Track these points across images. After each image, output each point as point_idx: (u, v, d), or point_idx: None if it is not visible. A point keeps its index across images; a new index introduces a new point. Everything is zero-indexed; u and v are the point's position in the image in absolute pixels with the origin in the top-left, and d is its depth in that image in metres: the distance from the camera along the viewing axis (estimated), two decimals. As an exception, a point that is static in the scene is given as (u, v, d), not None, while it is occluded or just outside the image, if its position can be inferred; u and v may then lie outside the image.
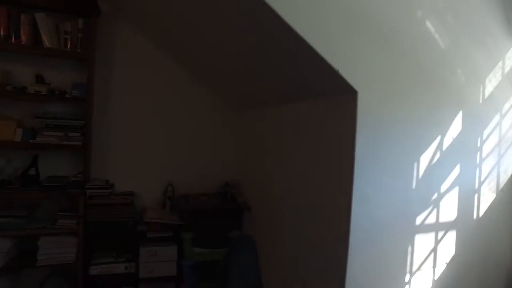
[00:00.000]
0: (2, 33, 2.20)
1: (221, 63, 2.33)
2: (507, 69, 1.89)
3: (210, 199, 2.64)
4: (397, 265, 1.62)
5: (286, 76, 1.85)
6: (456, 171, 1.76)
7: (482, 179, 1.88)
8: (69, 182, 2.35)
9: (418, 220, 1.65)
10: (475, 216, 1.87)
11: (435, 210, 1.71)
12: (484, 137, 1.86)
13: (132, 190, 2.58)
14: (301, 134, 1.96)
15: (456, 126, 1.73)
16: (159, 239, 2.42)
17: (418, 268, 1.67)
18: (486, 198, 1.90)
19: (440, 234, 1.74)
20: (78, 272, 2.26)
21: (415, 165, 1.64)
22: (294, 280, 1.95)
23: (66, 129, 2.29)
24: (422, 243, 1.68)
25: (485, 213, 1.89)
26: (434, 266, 1.73)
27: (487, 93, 1.84)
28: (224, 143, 2.91)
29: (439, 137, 1.68)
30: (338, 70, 1.39)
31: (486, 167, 1.88)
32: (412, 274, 1.65)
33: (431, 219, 1.70)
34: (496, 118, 1.89)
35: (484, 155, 1.87)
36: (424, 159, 1.64)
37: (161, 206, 2.65)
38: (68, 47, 2.33)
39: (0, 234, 2.12)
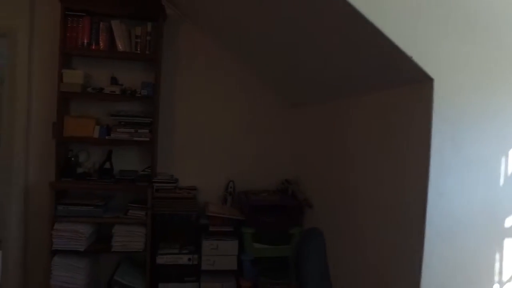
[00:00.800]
0: (85, 41, 2.45)
1: (282, 59, 2.31)
2: None
3: (271, 196, 2.63)
4: (482, 273, 1.43)
5: (351, 68, 1.75)
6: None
7: None
8: (138, 176, 2.51)
9: (508, 222, 1.44)
10: None
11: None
12: None
13: (195, 185, 2.68)
14: (368, 127, 1.84)
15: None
16: (220, 233, 2.47)
17: (510, 279, 1.45)
18: None
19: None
20: (146, 260, 2.41)
21: (503, 160, 1.43)
22: (363, 280, 1.84)
23: (136, 126, 2.46)
24: (514, 249, 1.46)
25: None
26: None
27: None
28: (283, 140, 2.88)
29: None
30: (411, 57, 1.26)
31: None
32: (502, 284, 1.44)
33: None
34: None
35: None
36: (514, 154, 1.43)
37: (222, 201, 2.70)
38: (138, 50, 2.50)
39: (83, 220, 2.35)
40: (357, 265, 1.89)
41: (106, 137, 2.44)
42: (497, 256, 1.43)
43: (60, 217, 2.34)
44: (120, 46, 2.49)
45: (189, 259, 2.46)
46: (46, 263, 2.35)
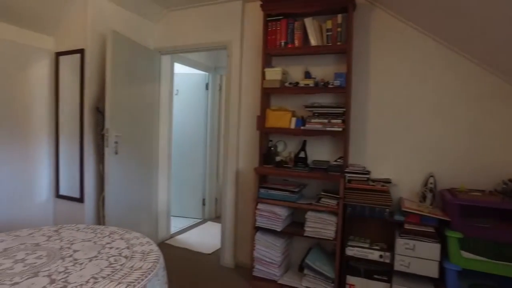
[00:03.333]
0: (282, 41, 2.70)
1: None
2: None
3: (486, 196, 2.16)
4: None
5: None
6: None
7: None
8: (331, 166, 2.56)
9: None
10: None
11: None
12: None
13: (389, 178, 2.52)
14: None
15: None
16: (418, 232, 2.22)
17: None
18: None
19: None
20: (336, 249, 2.44)
21: None
22: None
23: (329, 116, 2.52)
24: None
25: None
26: None
27: None
28: (503, 134, 2.31)
29: None
30: None
31: None
32: None
33: None
34: None
35: None
36: None
37: (419, 198, 2.43)
38: (330, 42, 2.56)
39: (280, 203, 2.61)
40: None
41: (302, 128, 2.60)
42: None
43: (262, 199, 2.67)
44: (312, 41, 2.61)
45: (381, 256, 2.33)
46: (251, 237, 2.74)
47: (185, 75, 4.46)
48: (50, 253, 1.43)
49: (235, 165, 3.08)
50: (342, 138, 2.54)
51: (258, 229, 2.70)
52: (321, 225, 2.48)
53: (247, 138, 3.06)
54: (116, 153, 2.80)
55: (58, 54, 2.99)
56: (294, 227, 2.66)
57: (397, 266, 2.27)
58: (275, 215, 2.61)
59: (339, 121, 2.48)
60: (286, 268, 2.82)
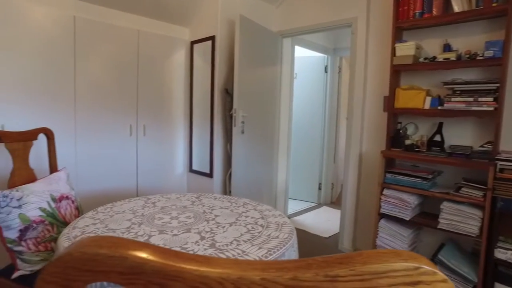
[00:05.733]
0: (417, 11, 2.42)
1: None
2: None
3: None
4: None
5: None
6: None
7: None
8: (474, 152, 2.21)
9: None
10: None
11: None
12: None
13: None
14: None
15: None
16: None
17: None
18: None
19: None
20: (480, 249, 2.11)
21: None
22: None
23: (475, 94, 2.16)
24: None
25: None
26: None
27: None
28: None
29: None
30: None
31: None
32: None
33: None
34: None
35: None
36: None
37: None
38: (481, 5, 2.16)
39: (409, 190, 2.39)
40: None
41: (439, 108, 2.31)
42: None
43: (388, 184, 2.50)
44: (456, 7, 2.26)
45: (543, 264, 1.92)
46: (373, 224, 2.60)
47: (303, 58, 4.47)
48: (196, 215, 1.65)
49: (358, 148, 2.96)
50: (492, 119, 2.15)
51: (382, 216, 2.55)
52: (460, 218, 2.18)
53: (372, 120, 2.89)
54: (243, 132, 3.02)
55: (193, 43, 3.39)
56: (424, 218, 2.42)
57: None
58: (403, 203, 2.41)
59: (490, 99, 2.10)
60: (413, 261, 2.59)
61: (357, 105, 2.94)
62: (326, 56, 4.45)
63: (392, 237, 2.51)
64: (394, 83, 2.56)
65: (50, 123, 2.53)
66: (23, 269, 1.52)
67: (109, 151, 2.91)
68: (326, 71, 4.47)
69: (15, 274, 1.51)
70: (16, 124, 2.37)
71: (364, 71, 2.89)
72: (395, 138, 2.57)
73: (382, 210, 2.52)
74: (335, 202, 4.67)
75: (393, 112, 2.56)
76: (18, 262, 1.52)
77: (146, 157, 3.19)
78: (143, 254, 0.33)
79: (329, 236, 3.44)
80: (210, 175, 3.25)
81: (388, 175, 2.51)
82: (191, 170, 3.53)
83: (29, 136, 1.87)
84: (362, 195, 2.97)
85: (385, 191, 2.51)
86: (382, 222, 2.55)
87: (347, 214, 3.06)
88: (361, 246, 2.97)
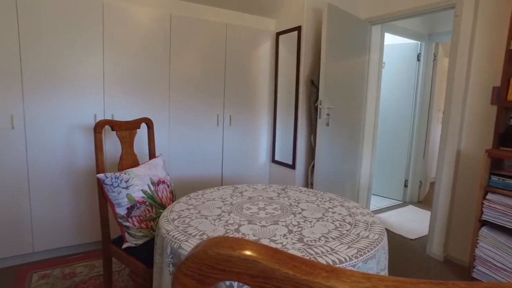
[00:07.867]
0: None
1: None
2: None
3: None
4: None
5: None
6: None
7: None
8: None
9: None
10: None
11: None
12: None
13: None
14: None
15: None
16: None
17: None
18: None
19: None
20: None
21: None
22: None
23: None
24: None
25: None
26: None
27: None
28: None
29: None
30: None
31: None
32: None
33: None
34: None
35: None
36: None
37: None
38: None
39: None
40: None
41: None
42: None
43: (493, 188, 2.19)
44: None
45: None
46: (472, 231, 2.32)
47: (392, 46, 4.15)
48: (283, 207, 1.66)
49: (455, 144, 2.65)
50: None
51: (484, 223, 2.26)
52: None
53: (475, 114, 2.55)
54: (327, 124, 2.94)
55: (278, 34, 3.39)
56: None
57: None
58: (511, 210, 2.10)
59: None
60: (522, 278, 2.26)
61: (457, 96, 2.62)
62: (419, 42, 4.05)
63: (497, 249, 2.21)
64: (509, 72, 2.21)
65: (148, 113, 2.81)
66: (129, 242, 1.73)
67: (197, 140, 3.12)
68: (419, 59, 4.07)
69: (124, 245, 1.73)
70: (121, 114, 2.69)
71: (468, 58, 2.55)
72: (505, 136, 2.23)
73: (484, 217, 2.24)
74: (423, 202, 4.30)
75: (505, 106, 2.22)
76: (126, 235, 1.73)
77: (231, 146, 3.33)
78: (274, 261, 0.34)
79: (416, 238, 3.18)
80: (292, 166, 3.26)
81: (494, 178, 2.20)
82: (273, 161, 3.58)
83: (134, 125, 2.09)
84: (458, 197, 2.66)
85: (489, 196, 2.22)
86: (484, 231, 2.27)
87: (439, 216, 2.79)
88: (454, 253, 2.69)
